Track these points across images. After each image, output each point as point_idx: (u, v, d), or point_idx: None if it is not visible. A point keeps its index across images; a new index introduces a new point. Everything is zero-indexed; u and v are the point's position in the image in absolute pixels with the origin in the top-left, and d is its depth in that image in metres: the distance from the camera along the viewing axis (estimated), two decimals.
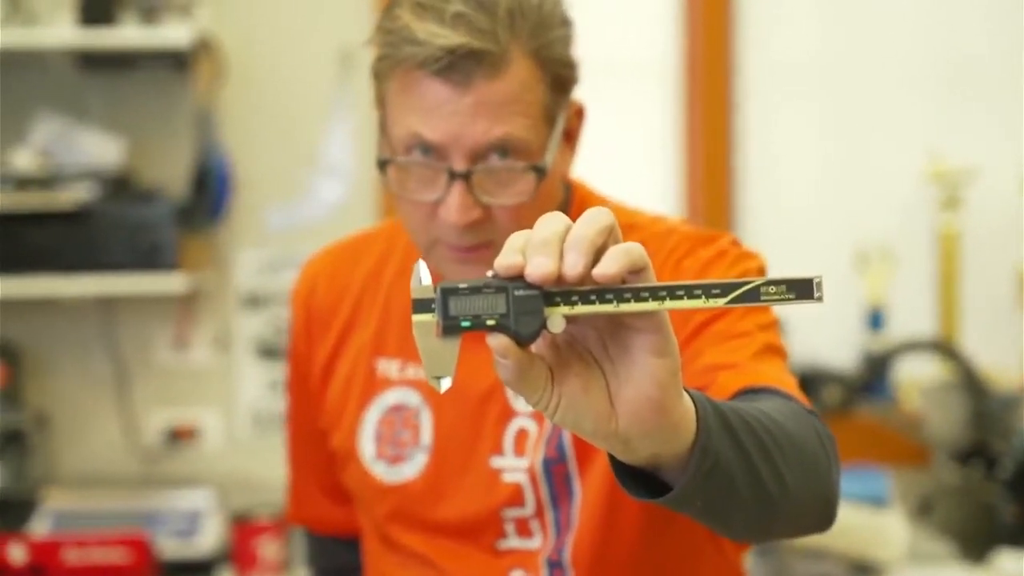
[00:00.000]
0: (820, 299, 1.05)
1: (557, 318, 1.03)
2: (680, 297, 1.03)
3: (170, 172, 3.42)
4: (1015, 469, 3.14)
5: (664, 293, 1.03)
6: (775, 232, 3.67)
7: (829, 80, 3.76)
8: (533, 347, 1.06)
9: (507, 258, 1.03)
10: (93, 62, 3.36)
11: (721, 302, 1.04)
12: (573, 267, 1.01)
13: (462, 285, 1.03)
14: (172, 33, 3.20)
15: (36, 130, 3.32)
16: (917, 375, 3.54)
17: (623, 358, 1.06)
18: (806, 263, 3.44)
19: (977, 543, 3.13)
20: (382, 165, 1.59)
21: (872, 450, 3.44)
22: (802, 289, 1.05)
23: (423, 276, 1.05)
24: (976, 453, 3.27)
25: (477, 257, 1.57)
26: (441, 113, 1.52)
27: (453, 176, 1.53)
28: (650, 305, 1.03)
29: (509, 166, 1.54)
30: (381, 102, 1.60)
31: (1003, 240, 3.67)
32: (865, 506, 3.15)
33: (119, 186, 3.31)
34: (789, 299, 1.05)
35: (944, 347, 3.41)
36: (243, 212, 3.47)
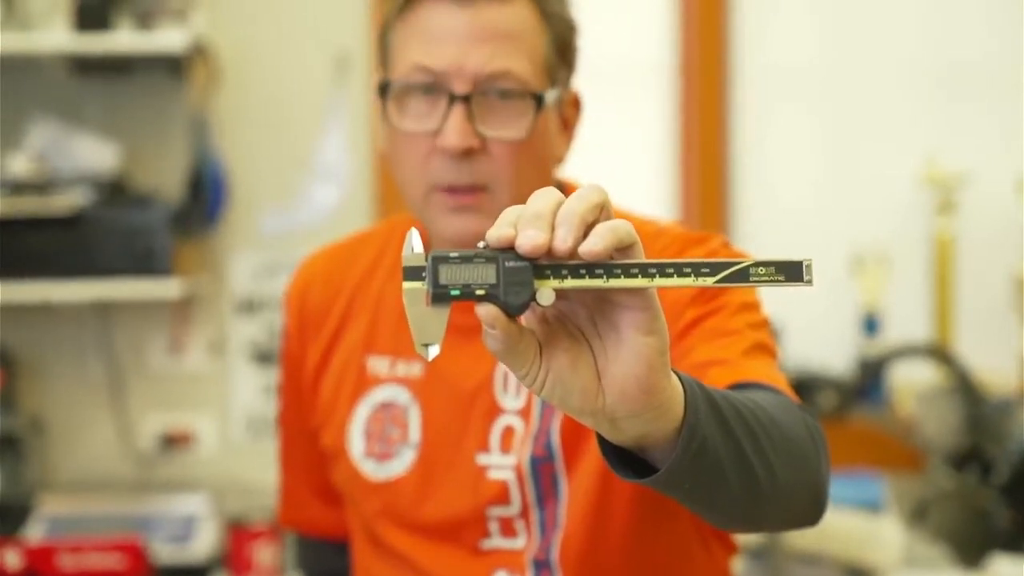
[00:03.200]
0: (809, 282, 1.04)
1: (546, 291, 1.04)
2: (670, 275, 1.03)
3: (165, 177, 3.42)
4: (1010, 474, 3.14)
5: (654, 270, 1.03)
6: (770, 235, 3.67)
7: (825, 83, 3.76)
8: (523, 321, 1.06)
9: (499, 230, 1.04)
10: (88, 67, 3.36)
11: (710, 281, 1.04)
12: (563, 241, 1.02)
13: (453, 254, 1.04)
14: (167, 38, 3.20)
15: (31, 135, 3.33)
16: (912, 380, 3.54)
17: (611, 335, 1.07)
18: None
19: (972, 548, 3.13)
20: (383, 90, 1.62)
21: (867, 455, 3.44)
22: (791, 271, 1.05)
23: (415, 244, 1.06)
24: (971, 458, 3.27)
25: (471, 203, 1.58)
26: (444, 38, 1.56)
27: (453, 99, 1.56)
28: (639, 282, 1.03)
29: (509, 97, 1.57)
30: (384, 56, 1.63)
31: (998, 245, 3.67)
32: (860, 511, 3.16)
33: (114, 191, 3.31)
34: (778, 281, 1.05)
35: (939, 352, 3.41)
36: (238, 217, 3.47)
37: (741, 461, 1.19)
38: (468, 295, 1.03)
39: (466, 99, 1.56)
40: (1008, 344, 3.59)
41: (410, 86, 1.59)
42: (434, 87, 1.57)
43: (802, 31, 3.77)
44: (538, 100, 1.58)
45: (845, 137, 3.77)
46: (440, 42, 1.55)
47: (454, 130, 1.56)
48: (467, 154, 1.57)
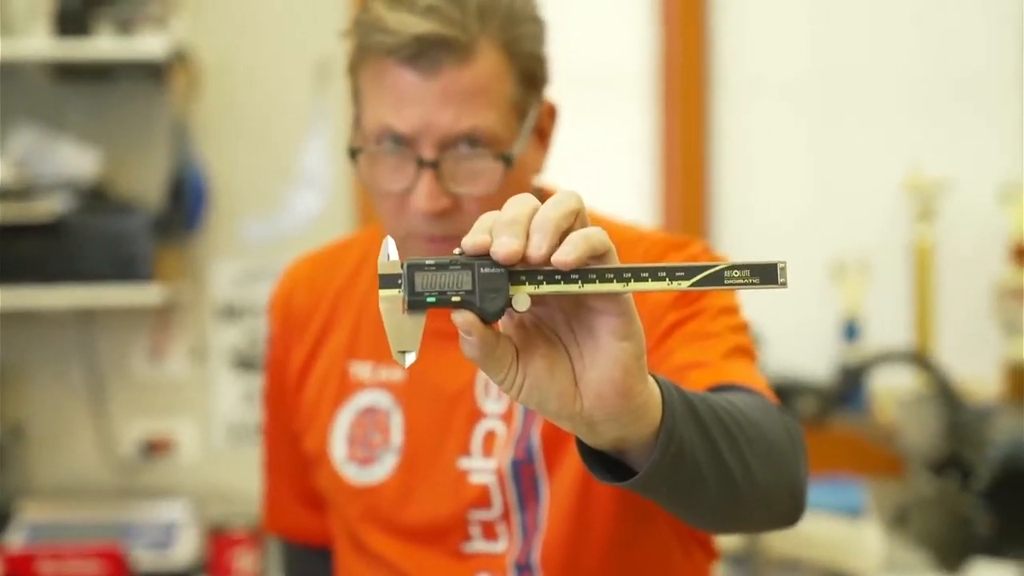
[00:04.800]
0: (784, 284, 1.05)
1: (522, 297, 1.04)
2: (644, 279, 1.04)
3: (146, 183, 3.42)
4: (990, 480, 3.14)
5: (629, 275, 1.04)
6: (751, 242, 3.68)
7: (807, 90, 3.77)
8: (500, 326, 1.07)
9: (474, 236, 1.04)
10: (69, 73, 3.35)
11: (684, 285, 1.04)
12: (537, 248, 1.03)
13: (428, 261, 1.04)
14: (148, 44, 3.20)
15: (12, 141, 3.32)
16: (892, 386, 3.55)
17: (588, 340, 1.07)
18: None
19: (952, 553, 3.13)
20: (353, 154, 1.61)
21: (847, 461, 3.45)
22: (766, 274, 1.05)
23: (390, 252, 1.06)
24: (951, 464, 3.27)
25: (449, 249, 1.58)
26: (410, 102, 1.55)
27: (422, 164, 1.56)
28: (614, 287, 1.04)
29: (477, 154, 1.56)
30: (355, 94, 1.63)
31: (978, 252, 3.68)
32: (840, 517, 3.16)
33: (95, 197, 3.30)
34: (753, 284, 1.05)
35: (919, 358, 3.41)
36: (219, 223, 3.47)
37: (719, 462, 1.20)
38: (444, 302, 1.04)
39: (434, 164, 1.56)
40: (988, 351, 3.61)
41: (379, 150, 1.58)
42: (402, 147, 1.57)
43: (784, 38, 3.78)
44: (507, 160, 1.58)
45: (826, 144, 3.78)
46: (406, 105, 1.55)
47: (424, 195, 1.56)
48: (440, 213, 1.57)
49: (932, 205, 3.59)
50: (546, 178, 1.73)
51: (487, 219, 1.06)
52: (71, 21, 3.19)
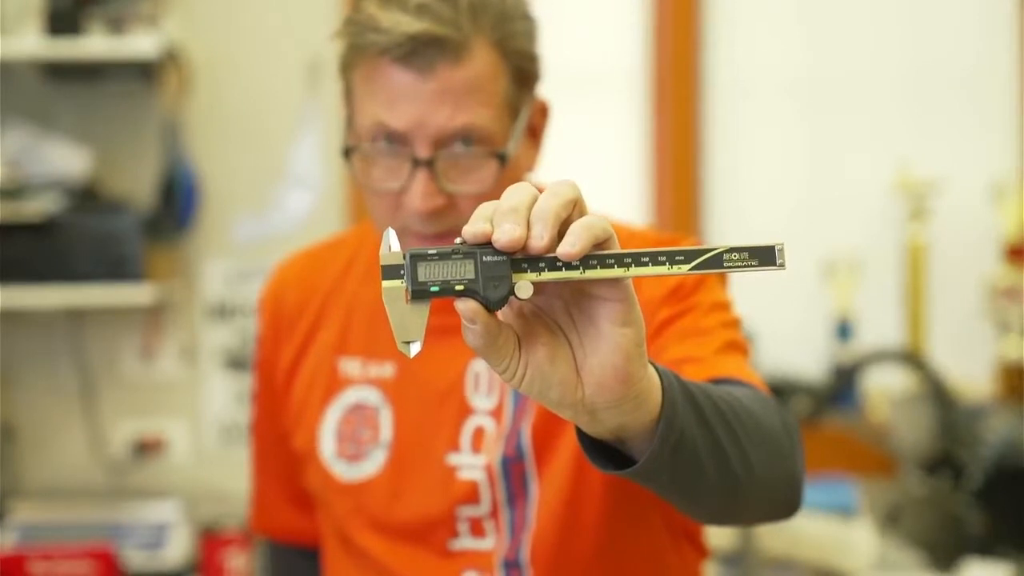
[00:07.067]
0: (782, 266, 1.06)
1: (525, 284, 1.04)
2: (645, 264, 1.04)
3: (137, 183, 3.41)
4: (982, 479, 3.15)
5: (629, 260, 1.04)
6: (742, 241, 3.67)
7: (797, 90, 3.77)
8: (501, 315, 1.07)
9: (475, 225, 1.04)
10: (60, 72, 3.35)
11: (685, 268, 1.05)
12: (539, 239, 1.03)
13: (431, 251, 1.04)
14: (139, 44, 3.20)
15: (3, 141, 3.31)
16: (885, 385, 3.56)
17: (589, 328, 1.08)
18: (773, 273, 3.46)
19: (944, 553, 3.14)
20: (347, 153, 1.61)
21: (840, 460, 3.45)
22: (764, 256, 1.06)
23: (392, 243, 1.06)
24: (943, 463, 3.28)
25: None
26: (404, 100, 1.54)
27: (416, 163, 1.56)
28: (615, 272, 1.04)
29: (471, 153, 1.56)
30: (347, 94, 1.63)
31: (970, 251, 3.68)
32: (833, 516, 3.16)
33: (86, 197, 3.30)
34: (752, 266, 1.06)
35: (912, 358, 3.41)
36: (210, 223, 3.46)
37: (718, 451, 1.20)
38: (447, 291, 1.04)
39: (429, 162, 1.56)
40: (980, 350, 3.61)
41: (373, 148, 1.58)
42: (397, 145, 1.57)
43: (775, 38, 3.78)
44: (501, 157, 1.58)
45: (818, 143, 3.78)
46: (401, 103, 1.55)
47: (419, 194, 1.56)
48: (435, 212, 1.57)
49: (924, 204, 3.59)
50: (538, 177, 1.73)
51: (487, 208, 1.06)
52: (62, 20, 3.19)
